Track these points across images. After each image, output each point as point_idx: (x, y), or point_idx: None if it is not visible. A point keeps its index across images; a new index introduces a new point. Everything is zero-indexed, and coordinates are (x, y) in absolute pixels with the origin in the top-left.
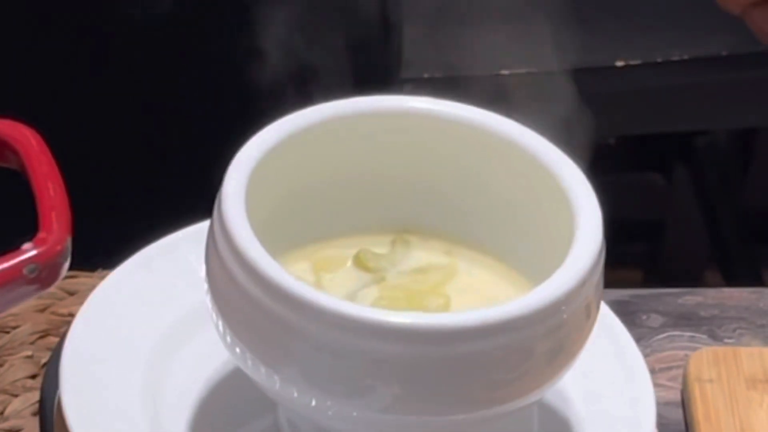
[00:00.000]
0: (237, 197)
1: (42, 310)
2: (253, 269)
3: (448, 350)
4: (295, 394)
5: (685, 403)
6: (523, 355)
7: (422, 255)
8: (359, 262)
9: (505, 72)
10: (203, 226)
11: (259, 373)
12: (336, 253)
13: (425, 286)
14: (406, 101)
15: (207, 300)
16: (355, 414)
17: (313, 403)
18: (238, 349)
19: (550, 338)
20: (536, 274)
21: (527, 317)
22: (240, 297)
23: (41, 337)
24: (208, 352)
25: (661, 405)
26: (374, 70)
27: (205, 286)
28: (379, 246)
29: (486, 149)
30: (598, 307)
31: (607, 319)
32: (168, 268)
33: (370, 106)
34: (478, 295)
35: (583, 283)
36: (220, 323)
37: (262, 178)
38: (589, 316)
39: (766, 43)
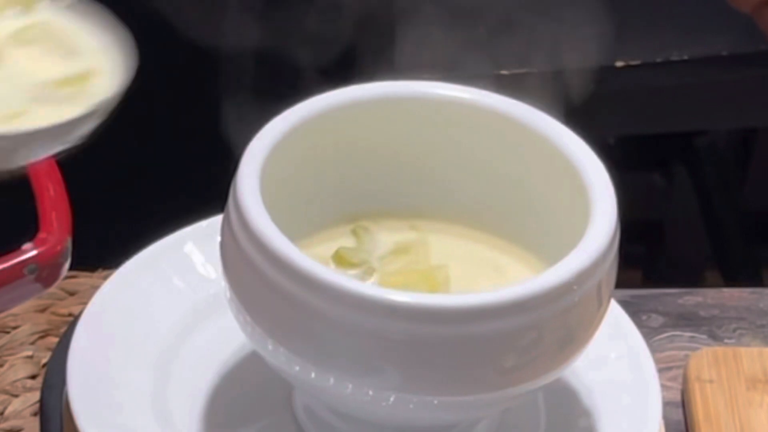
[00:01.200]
0: (252, 182)
1: (42, 311)
2: (271, 251)
3: (460, 329)
4: (313, 375)
5: (685, 403)
6: (535, 336)
7: (387, 236)
8: (342, 261)
9: (505, 72)
10: (210, 222)
11: (278, 356)
12: (314, 254)
13: (419, 265)
14: (413, 86)
15: (224, 286)
16: (371, 393)
17: (331, 381)
18: (256, 333)
19: (561, 319)
20: (550, 257)
21: (540, 297)
22: (257, 280)
23: (41, 337)
24: (215, 347)
25: (662, 405)
26: (373, 71)
27: (221, 272)
28: (342, 238)
29: (497, 132)
30: (610, 291)
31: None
32: (174, 265)
33: (381, 92)
34: (474, 263)
35: (595, 264)
36: (238, 307)
37: (276, 165)
38: (601, 298)
39: None
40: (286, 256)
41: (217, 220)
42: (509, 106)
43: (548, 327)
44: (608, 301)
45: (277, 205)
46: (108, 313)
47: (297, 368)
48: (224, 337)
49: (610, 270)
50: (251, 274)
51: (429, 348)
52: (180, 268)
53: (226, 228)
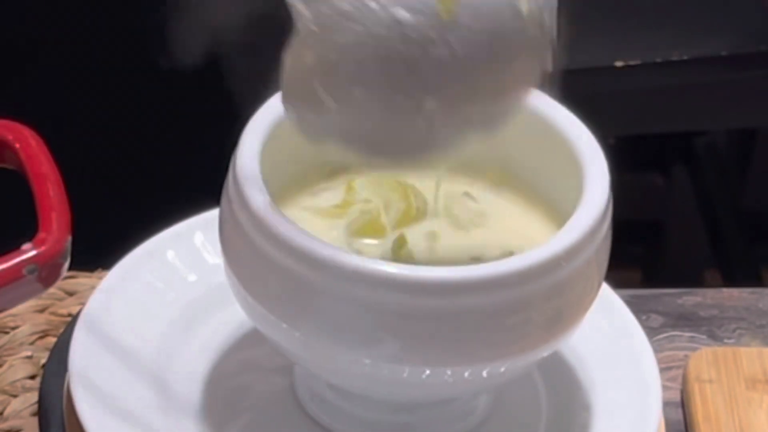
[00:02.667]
0: (252, 160)
1: (41, 311)
2: (269, 229)
3: (453, 302)
4: (312, 349)
5: (684, 403)
6: (527, 309)
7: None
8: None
9: None
10: (214, 214)
11: (277, 330)
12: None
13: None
14: None
15: (224, 267)
16: (368, 364)
17: (330, 355)
18: (256, 309)
19: (552, 293)
20: (532, 201)
21: (531, 271)
22: (255, 256)
23: (41, 338)
24: (218, 336)
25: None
26: None
27: (221, 254)
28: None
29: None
30: (602, 271)
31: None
32: (177, 255)
33: None
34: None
35: (582, 244)
36: (236, 283)
37: (275, 143)
38: (592, 274)
39: None
40: (285, 233)
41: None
42: None
43: (539, 300)
44: (601, 278)
45: (276, 181)
46: (111, 303)
47: (296, 343)
48: (226, 327)
49: (601, 246)
50: (249, 250)
51: (425, 320)
52: (185, 257)
53: (225, 205)
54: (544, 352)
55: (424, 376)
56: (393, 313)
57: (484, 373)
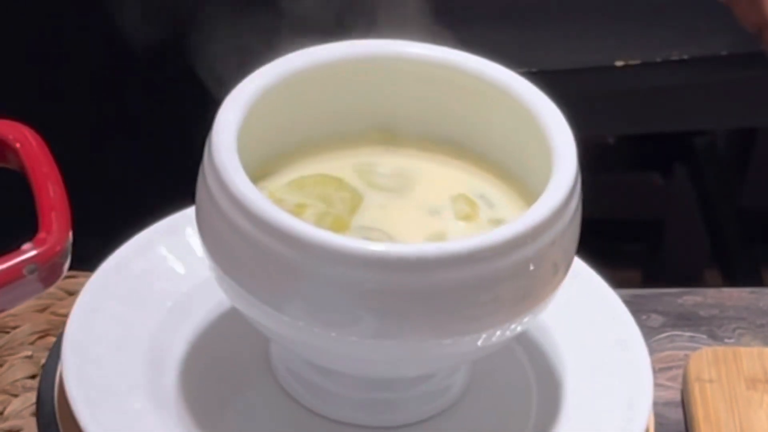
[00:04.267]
0: (228, 139)
1: (42, 311)
2: (247, 207)
3: (420, 278)
4: (289, 327)
5: (684, 403)
6: (492, 285)
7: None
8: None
9: None
10: None
11: (258, 310)
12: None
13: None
14: (390, 45)
15: (201, 246)
16: (347, 339)
17: (306, 331)
18: (234, 289)
19: (518, 270)
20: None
21: (493, 248)
22: (233, 235)
23: (41, 338)
24: (210, 329)
25: (661, 405)
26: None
27: (198, 234)
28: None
29: (464, 89)
30: (572, 251)
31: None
32: (167, 249)
33: (356, 50)
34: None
35: (550, 222)
36: (214, 262)
37: (252, 121)
38: (560, 253)
39: (752, 32)
40: (263, 212)
41: None
42: (479, 64)
43: (505, 277)
44: (572, 255)
45: (252, 158)
46: (102, 298)
47: (275, 322)
48: (217, 318)
49: (570, 224)
50: (226, 229)
51: (403, 295)
52: (175, 251)
53: (202, 185)
54: (519, 326)
55: (402, 352)
56: (372, 291)
57: (462, 346)
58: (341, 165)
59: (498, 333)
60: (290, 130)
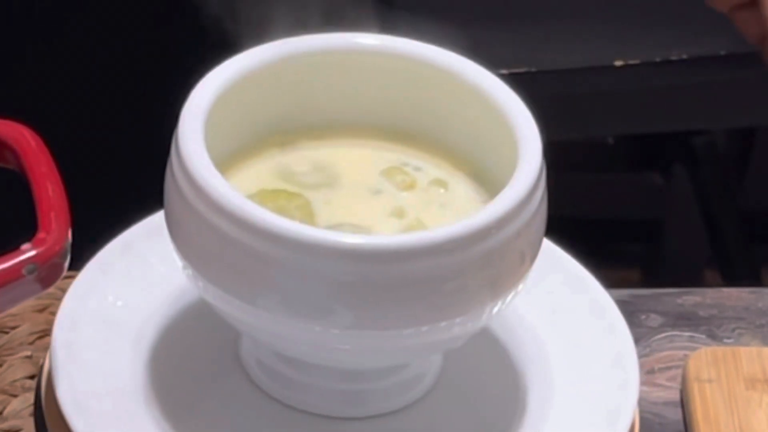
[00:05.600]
0: (195, 133)
1: (41, 311)
2: (216, 200)
3: (394, 269)
4: (259, 318)
5: (684, 403)
6: (460, 274)
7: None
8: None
9: (504, 72)
10: None
11: (230, 305)
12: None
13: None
14: (354, 38)
15: (170, 241)
16: (320, 331)
17: (285, 326)
18: (205, 285)
19: (484, 260)
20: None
21: (465, 238)
22: (202, 229)
23: (40, 338)
24: (187, 326)
25: (660, 405)
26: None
27: (167, 229)
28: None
29: (433, 84)
30: (538, 241)
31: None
32: (151, 248)
33: (319, 44)
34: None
35: (513, 214)
36: (184, 258)
37: (219, 114)
38: (525, 242)
39: (754, 44)
40: (233, 205)
41: None
42: (442, 56)
43: (471, 266)
44: (538, 245)
45: (218, 150)
46: (88, 298)
47: (248, 316)
48: (194, 314)
49: (536, 214)
50: (195, 224)
51: (376, 286)
52: (158, 249)
53: (169, 178)
54: (489, 313)
55: (376, 342)
56: (347, 282)
57: (435, 335)
58: (268, 167)
59: (469, 320)
60: (254, 123)
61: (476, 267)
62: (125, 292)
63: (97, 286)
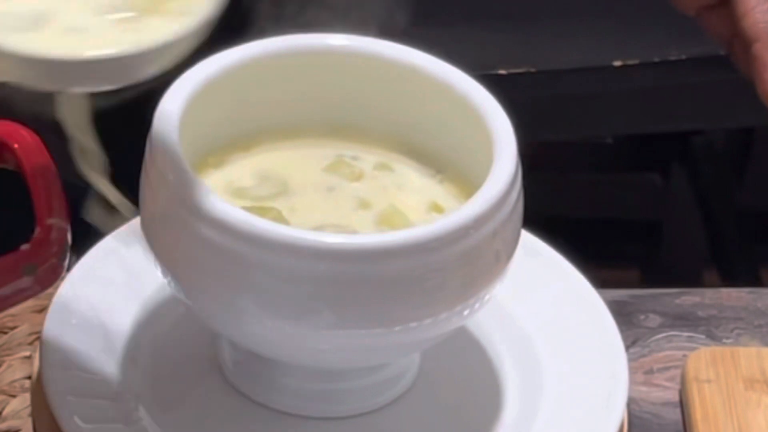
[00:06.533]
0: (170, 135)
1: (40, 311)
2: (196, 205)
3: (374, 268)
4: (247, 325)
5: (683, 404)
6: (440, 272)
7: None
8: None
9: (503, 72)
10: None
11: (209, 308)
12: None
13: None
14: (325, 39)
15: (145, 242)
16: (301, 331)
17: (266, 328)
18: (183, 291)
19: (463, 258)
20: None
21: (441, 238)
22: (182, 233)
23: (39, 338)
24: (168, 327)
25: (659, 405)
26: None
27: (142, 232)
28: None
29: (405, 84)
30: (514, 240)
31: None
32: (130, 253)
33: (289, 45)
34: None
35: (491, 213)
36: (162, 265)
37: (193, 114)
38: (497, 247)
39: (722, 47)
40: (211, 208)
41: None
42: (416, 57)
43: (455, 262)
44: (513, 245)
45: (193, 151)
46: (77, 299)
47: (228, 319)
48: (173, 316)
49: (511, 214)
50: (172, 226)
51: (357, 285)
52: (139, 254)
53: (145, 184)
54: (468, 310)
55: (357, 341)
56: (329, 283)
57: (415, 334)
58: (219, 187)
59: (449, 317)
60: (228, 124)
61: (456, 265)
62: (108, 295)
63: (82, 290)
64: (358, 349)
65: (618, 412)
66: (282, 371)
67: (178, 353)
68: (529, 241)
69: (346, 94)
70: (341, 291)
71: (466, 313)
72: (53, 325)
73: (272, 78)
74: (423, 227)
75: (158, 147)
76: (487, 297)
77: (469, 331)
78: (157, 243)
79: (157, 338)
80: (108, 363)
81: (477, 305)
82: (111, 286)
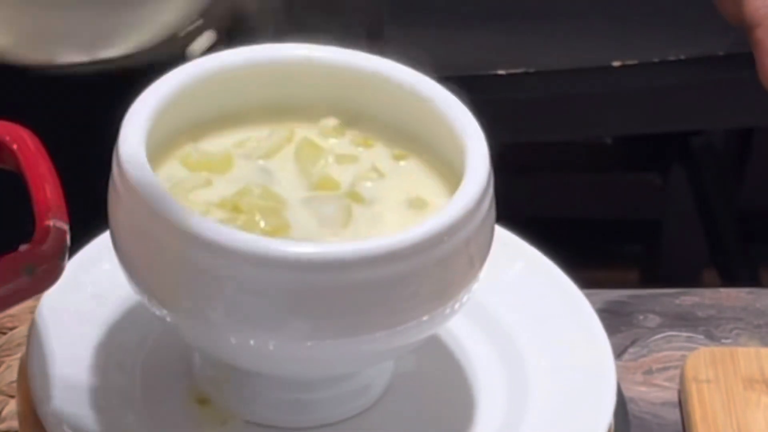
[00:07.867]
0: (137, 147)
1: None
2: (166, 218)
3: (344, 277)
4: (221, 338)
5: (682, 404)
6: (413, 279)
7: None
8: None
9: (502, 72)
10: None
11: (182, 322)
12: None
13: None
14: (297, 49)
15: (115, 254)
16: (275, 343)
17: (240, 340)
18: (154, 305)
19: (436, 265)
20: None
21: (417, 246)
22: (152, 247)
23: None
24: (143, 339)
25: (659, 405)
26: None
27: (112, 245)
28: None
29: (377, 92)
30: (486, 246)
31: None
32: (110, 263)
33: (260, 55)
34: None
35: (464, 221)
36: (134, 279)
37: (159, 128)
38: (471, 253)
39: (733, 23)
40: (180, 220)
41: None
42: (390, 69)
43: (428, 270)
44: (486, 250)
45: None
46: (66, 300)
47: (201, 333)
48: (149, 327)
49: (484, 221)
50: (140, 238)
51: (332, 295)
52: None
53: (113, 196)
54: (442, 316)
55: (331, 351)
56: (302, 293)
57: (389, 341)
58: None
59: (424, 323)
60: (200, 131)
61: (430, 272)
62: (90, 302)
63: (66, 298)
64: (333, 359)
65: (607, 414)
66: (252, 381)
67: (153, 360)
68: (511, 241)
69: (317, 100)
70: (314, 301)
71: (439, 319)
72: (38, 332)
73: (237, 88)
74: (396, 235)
75: (125, 160)
76: (458, 304)
77: (447, 333)
78: (125, 254)
79: (134, 345)
80: (94, 370)
81: (449, 312)
82: (96, 295)
